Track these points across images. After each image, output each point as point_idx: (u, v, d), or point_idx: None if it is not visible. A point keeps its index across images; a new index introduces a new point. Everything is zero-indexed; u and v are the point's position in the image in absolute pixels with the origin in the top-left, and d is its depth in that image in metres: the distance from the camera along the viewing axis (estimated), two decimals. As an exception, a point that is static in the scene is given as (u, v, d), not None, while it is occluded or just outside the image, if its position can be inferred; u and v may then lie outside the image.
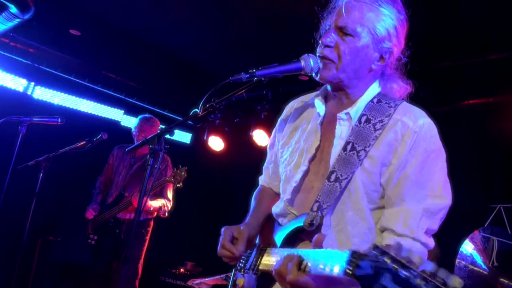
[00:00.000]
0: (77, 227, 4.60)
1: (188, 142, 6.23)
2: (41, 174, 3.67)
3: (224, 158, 5.69)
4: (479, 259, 3.51)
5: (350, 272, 1.00)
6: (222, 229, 1.58)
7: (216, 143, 5.65)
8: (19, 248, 3.58)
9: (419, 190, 1.34)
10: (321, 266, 1.11)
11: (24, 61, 4.56)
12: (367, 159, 1.40)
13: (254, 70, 1.48)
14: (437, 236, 1.43)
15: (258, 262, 1.54)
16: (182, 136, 6.21)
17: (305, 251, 1.21)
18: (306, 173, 1.52)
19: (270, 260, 1.48)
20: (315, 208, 1.40)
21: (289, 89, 4.98)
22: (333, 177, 1.41)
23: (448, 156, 1.46)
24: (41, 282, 4.69)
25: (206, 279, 4.05)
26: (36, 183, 3.64)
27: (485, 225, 3.64)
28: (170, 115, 5.81)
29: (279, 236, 1.52)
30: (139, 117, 4.40)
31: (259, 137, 5.09)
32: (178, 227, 4.78)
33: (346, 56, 1.44)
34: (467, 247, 3.57)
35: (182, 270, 5.02)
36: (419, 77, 1.68)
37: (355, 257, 1.00)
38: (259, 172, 2.02)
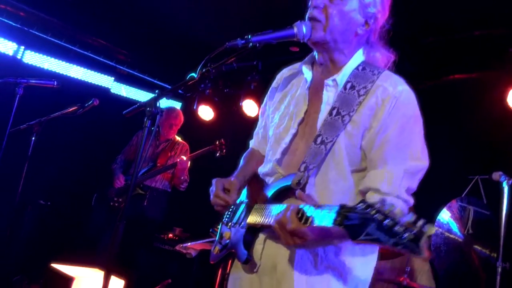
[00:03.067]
0: (69, 191, 4.69)
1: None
2: (33, 138, 3.70)
3: (213, 127, 5.76)
4: (455, 227, 3.69)
5: (340, 223, 1.16)
6: (213, 180, 1.71)
7: (206, 112, 5.71)
8: (10, 213, 3.63)
9: (400, 153, 1.47)
10: (316, 218, 1.27)
11: (14, 24, 4.53)
12: (350, 123, 1.51)
13: (249, 36, 1.55)
14: (416, 205, 1.55)
15: (246, 216, 1.66)
16: (173, 104, 6.23)
17: (301, 206, 1.33)
18: (294, 135, 1.63)
19: (258, 215, 1.60)
20: (302, 169, 1.51)
21: (279, 60, 5.03)
22: (319, 140, 1.52)
23: (429, 129, 1.58)
24: (33, 246, 4.77)
25: (194, 243, 4.17)
26: (28, 148, 3.69)
27: (462, 195, 3.82)
28: (160, 83, 5.84)
29: (266, 194, 1.64)
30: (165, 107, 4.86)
31: (249, 107, 5.17)
32: (167, 194, 4.88)
33: (334, 18, 1.53)
34: (444, 216, 3.75)
35: (170, 235, 5.13)
36: (404, 52, 1.77)
37: (344, 210, 1.14)
38: (247, 141, 2.12)
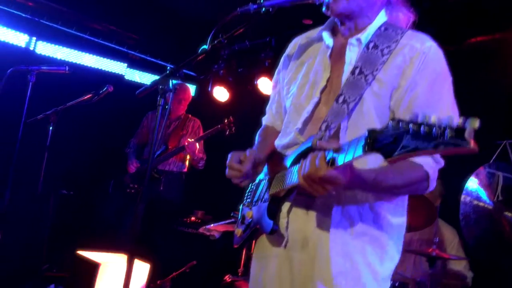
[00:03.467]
0: (89, 179, 4.71)
1: (193, 94, 6.22)
2: (50, 128, 3.71)
3: (229, 108, 5.69)
4: (484, 194, 3.58)
5: (371, 146, 1.03)
6: (230, 154, 1.63)
7: (221, 93, 5.64)
8: (33, 203, 3.65)
9: (429, 110, 1.36)
10: (344, 155, 1.14)
11: (24, 15, 4.51)
12: (376, 82, 1.43)
13: (262, 0, 1.48)
14: (442, 174, 1.47)
15: (267, 190, 1.59)
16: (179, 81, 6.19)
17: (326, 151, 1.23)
18: (317, 104, 1.55)
19: (279, 182, 1.52)
20: (323, 128, 1.44)
21: (291, 34, 4.91)
22: (341, 99, 1.45)
23: (455, 94, 1.48)
24: (58, 235, 4.82)
25: (216, 224, 4.17)
26: (47, 137, 3.70)
27: (491, 161, 3.69)
28: (173, 66, 5.77)
29: (285, 164, 1.55)
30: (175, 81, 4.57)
31: (264, 85, 5.08)
32: (186, 178, 4.86)
33: None
34: (472, 183, 3.63)
35: (193, 218, 5.14)
36: (427, 14, 1.68)
37: (373, 133, 1.03)
38: (260, 119, 2.04)
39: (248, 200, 1.75)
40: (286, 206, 1.53)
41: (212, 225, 4.27)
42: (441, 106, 1.39)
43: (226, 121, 4.68)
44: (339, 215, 1.42)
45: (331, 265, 1.38)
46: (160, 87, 1.77)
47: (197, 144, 4.50)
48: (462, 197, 3.60)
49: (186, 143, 4.46)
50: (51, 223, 4.69)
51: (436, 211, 3.26)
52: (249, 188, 1.78)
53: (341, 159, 1.16)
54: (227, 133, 4.68)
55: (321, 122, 1.48)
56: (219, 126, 4.64)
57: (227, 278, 3.23)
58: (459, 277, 3.54)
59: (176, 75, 1.77)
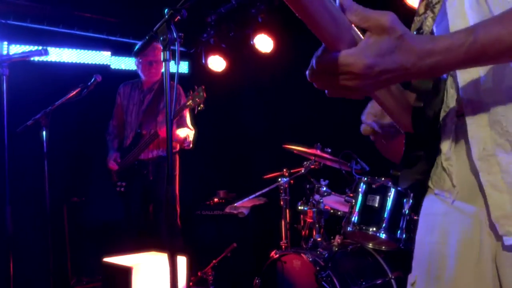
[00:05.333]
0: (98, 182, 4.38)
1: (186, 71, 5.81)
2: (44, 132, 3.37)
3: (229, 77, 5.31)
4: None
5: None
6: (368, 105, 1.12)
7: (216, 63, 5.26)
8: (46, 216, 3.35)
9: None
10: None
11: (-13, 19, 4.09)
12: None
13: None
14: None
15: None
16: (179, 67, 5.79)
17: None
18: None
19: None
20: (421, 10, 0.90)
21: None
22: None
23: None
24: (78, 245, 4.55)
25: (243, 201, 3.87)
26: (42, 144, 3.37)
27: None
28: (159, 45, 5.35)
29: None
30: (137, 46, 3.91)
31: (262, 43, 4.67)
32: (197, 159, 4.52)
33: None
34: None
35: (216, 200, 4.84)
36: None
37: None
38: (266, 79, 1.65)
39: None
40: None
41: (238, 202, 3.98)
42: None
43: (190, 95, 3.47)
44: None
45: None
46: (161, 38, 1.39)
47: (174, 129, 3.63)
48: None
49: (159, 131, 3.59)
50: (72, 233, 4.44)
51: None
52: None
53: None
54: (196, 111, 3.50)
55: None
56: (184, 104, 3.49)
57: (274, 254, 2.92)
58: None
59: (178, 18, 1.39)
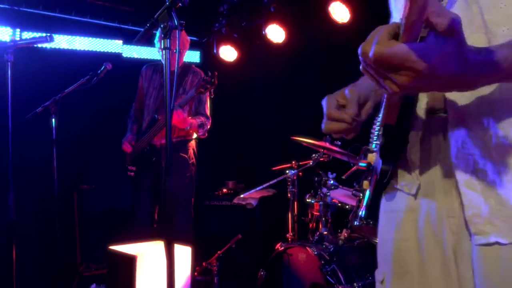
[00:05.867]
0: (109, 170, 4.40)
1: (198, 61, 5.79)
2: (53, 120, 3.38)
3: (240, 67, 5.27)
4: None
5: None
6: (324, 100, 1.09)
7: (228, 53, 5.22)
8: (54, 204, 3.38)
9: None
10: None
11: (1, 6, 4.10)
12: None
13: None
14: None
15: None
16: (190, 56, 5.76)
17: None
18: None
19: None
20: None
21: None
22: None
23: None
24: (88, 233, 4.58)
25: (251, 192, 3.84)
26: (51, 131, 3.39)
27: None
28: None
29: None
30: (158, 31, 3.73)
31: (274, 33, 4.61)
32: (206, 149, 4.51)
33: None
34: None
35: (225, 190, 4.84)
36: None
37: None
38: (278, 70, 1.60)
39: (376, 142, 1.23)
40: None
41: (246, 193, 3.96)
42: None
43: (201, 81, 3.41)
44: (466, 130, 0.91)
45: None
46: (162, 25, 1.36)
47: (182, 111, 3.45)
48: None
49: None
50: (82, 220, 4.49)
51: None
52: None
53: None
54: (210, 94, 3.58)
55: None
56: (194, 90, 3.44)
57: (279, 246, 2.89)
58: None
59: (179, 4, 1.35)
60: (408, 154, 0.98)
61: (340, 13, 4.00)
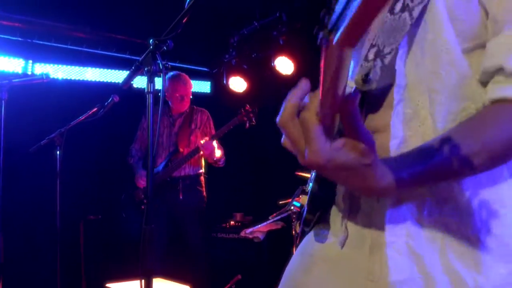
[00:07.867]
0: (113, 200, 4.37)
1: (209, 91, 5.81)
2: (58, 152, 3.39)
3: (249, 98, 5.26)
4: None
5: None
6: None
7: (237, 84, 5.22)
8: (56, 236, 3.35)
9: None
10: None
11: (13, 38, 4.19)
12: None
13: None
14: None
15: None
16: (201, 86, 5.79)
17: None
18: None
19: None
20: (370, 57, 0.84)
21: (302, 6, 4.45)
22: (398, 6, 0.82)
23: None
24: (92, 265, 4.53)
25: (259, 226, 3.79)
26: (55, 164, 3.39)
27: None
28: (183, 65, 5.37)
29: None
30: (167, 77, 4.01)
31: (283, 65, 4.60)
32: (216, 180, 4.46)
33: None
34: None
35: (232, 222, 4.76)
36: None
37: None
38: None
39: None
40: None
41: (254, 227, 3.89)
42: None
43: (243, 111, 3.93)
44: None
45: None
46: (146, 69, 1.34)
47: (214, 143, 3.81)
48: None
49: (201, 145, 3.78)
50: (89, 251, 4.44)
51: None
52: None
53: None
54: (247, 125, 3.97)
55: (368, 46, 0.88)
56: (236, 118, 3.91)
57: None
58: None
59: (163, 48, 1.33)
60: (338, 200, 0.96)
61: (348, 46, 3.97)
